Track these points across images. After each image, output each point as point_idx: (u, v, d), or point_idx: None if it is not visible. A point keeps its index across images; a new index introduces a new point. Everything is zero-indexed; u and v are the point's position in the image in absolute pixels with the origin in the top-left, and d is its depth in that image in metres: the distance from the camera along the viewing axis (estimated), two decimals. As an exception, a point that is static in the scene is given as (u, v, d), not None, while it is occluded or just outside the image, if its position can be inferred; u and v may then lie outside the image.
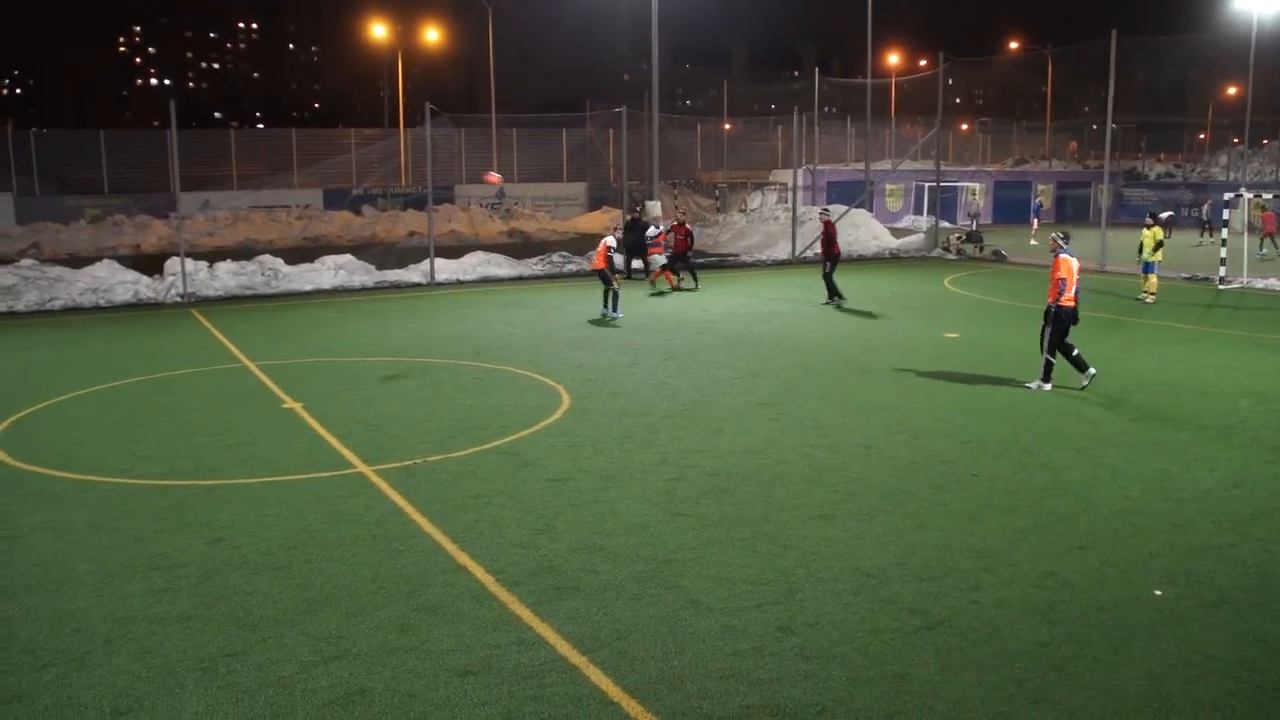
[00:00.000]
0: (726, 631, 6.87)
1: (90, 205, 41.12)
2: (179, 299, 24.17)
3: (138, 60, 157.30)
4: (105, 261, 26.08)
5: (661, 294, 24.10)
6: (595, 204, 48.39)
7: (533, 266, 29.21)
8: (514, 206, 46.69)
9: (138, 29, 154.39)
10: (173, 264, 25.35)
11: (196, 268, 25.55)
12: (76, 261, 27.53)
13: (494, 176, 30.70)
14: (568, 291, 24.93)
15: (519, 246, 35.64)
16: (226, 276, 25.67)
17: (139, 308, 23.56)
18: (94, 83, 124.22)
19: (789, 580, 7.68)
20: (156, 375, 15.72)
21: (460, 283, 27.26)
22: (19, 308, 23.00)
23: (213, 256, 28.31)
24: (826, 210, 25.00)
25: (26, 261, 26.08)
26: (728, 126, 54.24)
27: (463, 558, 8.16)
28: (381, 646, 6.73)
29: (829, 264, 22.16)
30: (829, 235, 22.37)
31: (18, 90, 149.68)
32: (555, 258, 30.01)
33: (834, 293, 21.88)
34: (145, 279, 25.03)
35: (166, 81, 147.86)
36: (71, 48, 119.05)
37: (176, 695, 6.20)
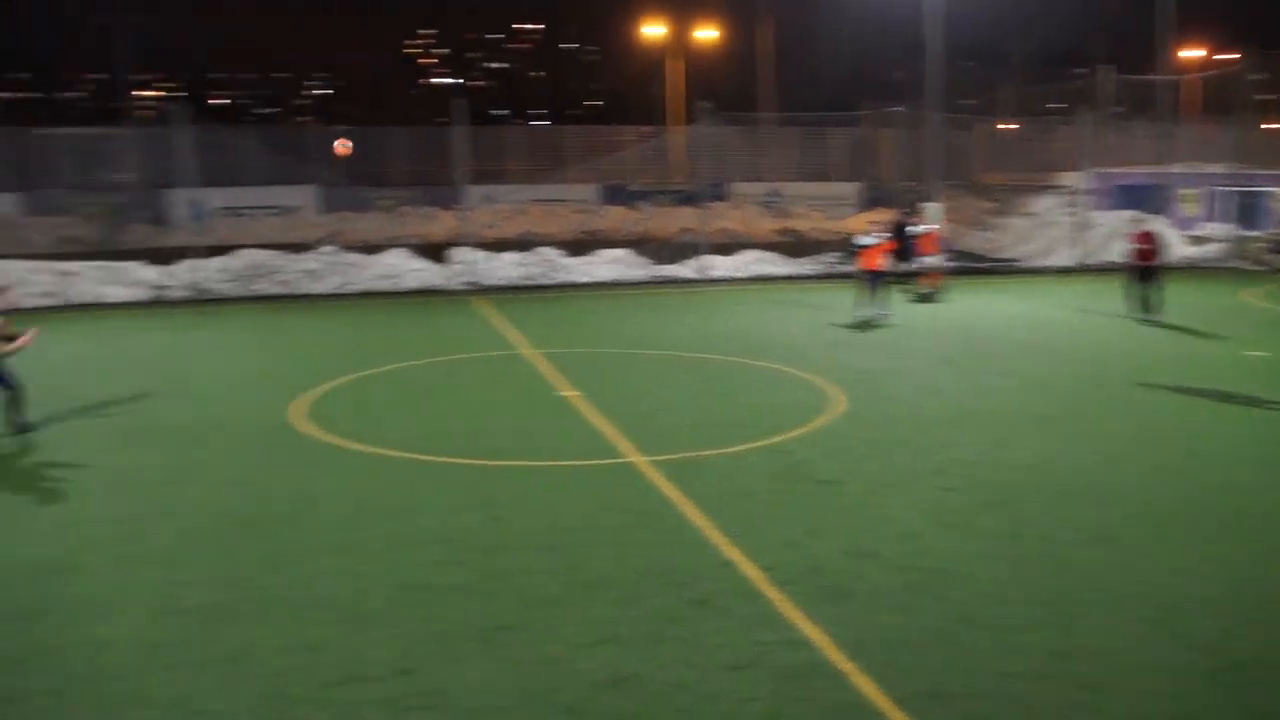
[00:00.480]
0: (999, 651, 6.60)
1: (382, 197, 43.65)
2: (463, 287, 25.37)
3: (428, 61, 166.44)
4: (396, 250, 27.66)
5: (925, 298, 23.42)
6: (869, 204, 47.59)
7: (805, 266, 29.05)
8: (787, 206, 46.54)
9: (430, 32, 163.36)
10: (457, 253, 26.65)
11: (480, 258, 26.73)
12: (370, 249, 29.29)
13: (342, 146, 29.40)
14: (840, 292, 24.63)
15: (791, 245, 35.48)
16: (508, 267, 26.75)
17: (426, 294, 24.88)
18: (387, 82, 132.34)
19: (1067, 603, 7.30)
20: (441, 358, 16.56)
21: (733, 280, 27.41)
22: (320, 290, 24.76)
23: (494, 247, 29.52)
24: (1142, 218, 23.44)
25: (327, 248, 27.95)
26: (1009, 126, 52.24)
27: (733, 553, 8.18)
28: (651, 635, 6.82)
29: (1155, 277, 20.43)
30: (1155, 245, 20.54)
31: (327, 91, 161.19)
32: (828, 258, 29.74)
33: (1149, 307, 20.17)
34: (432, 267, 26.41)
35: (455, 80, 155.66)
36: (368, 50, 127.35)
37: (456, 662, 6.49)
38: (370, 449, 11.27)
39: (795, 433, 11.82)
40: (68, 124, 62.40)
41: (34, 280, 25.36)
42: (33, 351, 12.36)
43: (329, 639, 6.82)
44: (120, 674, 6.44)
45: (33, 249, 37.72)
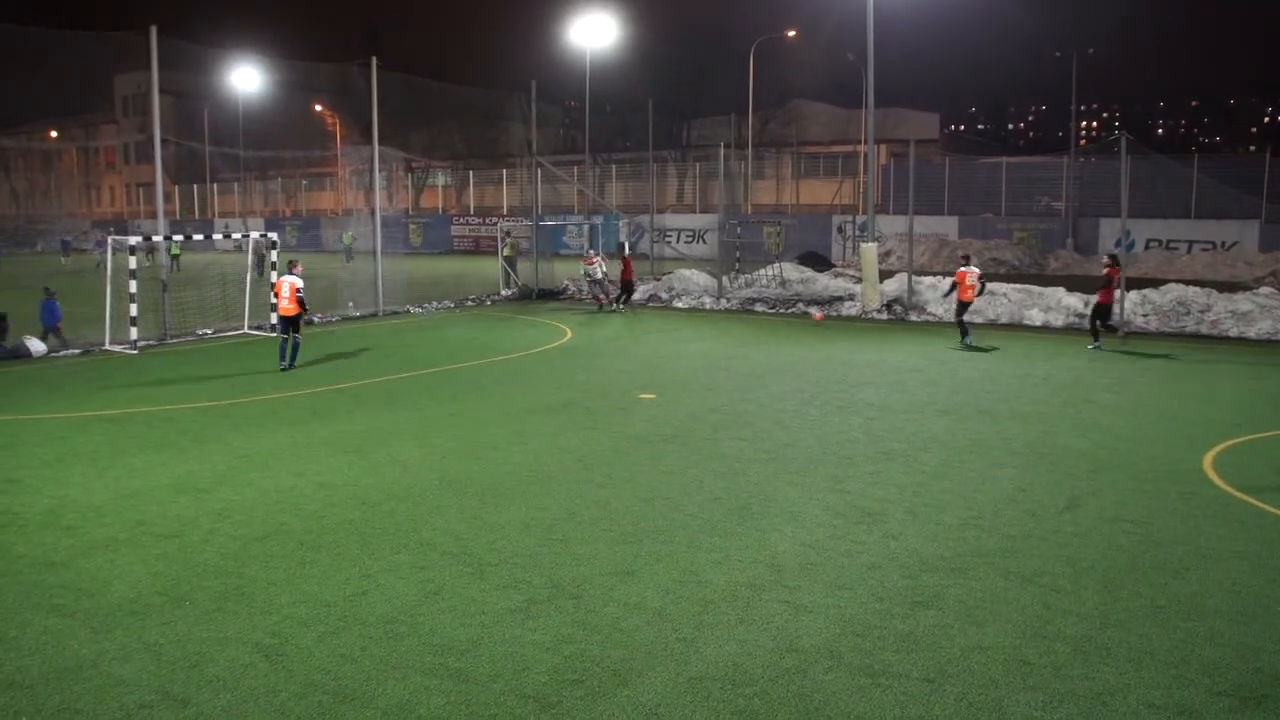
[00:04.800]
0: None
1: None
2: None
3: None
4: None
5: None
6: None
7: None
8: None
9: None
10: None
11: None
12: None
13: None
14: None
15: None
16: None
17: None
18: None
19: None
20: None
21: None
22: (1250, 334, 22.86)
23: None
24: None
25: (1264, 290, 25.81)
26: None
27: None
28: None
29: None
30: None
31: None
32: None
33: None
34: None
35: None
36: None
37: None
38: (1281, 512, 10.13)
39: None
40: (1011, 153, 65.65)
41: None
42: (1015, 364, 13.01)
43: (1205, 711, 6.26)
44: (989, 682, 6.56)
45: (960, 269, 40.41)
